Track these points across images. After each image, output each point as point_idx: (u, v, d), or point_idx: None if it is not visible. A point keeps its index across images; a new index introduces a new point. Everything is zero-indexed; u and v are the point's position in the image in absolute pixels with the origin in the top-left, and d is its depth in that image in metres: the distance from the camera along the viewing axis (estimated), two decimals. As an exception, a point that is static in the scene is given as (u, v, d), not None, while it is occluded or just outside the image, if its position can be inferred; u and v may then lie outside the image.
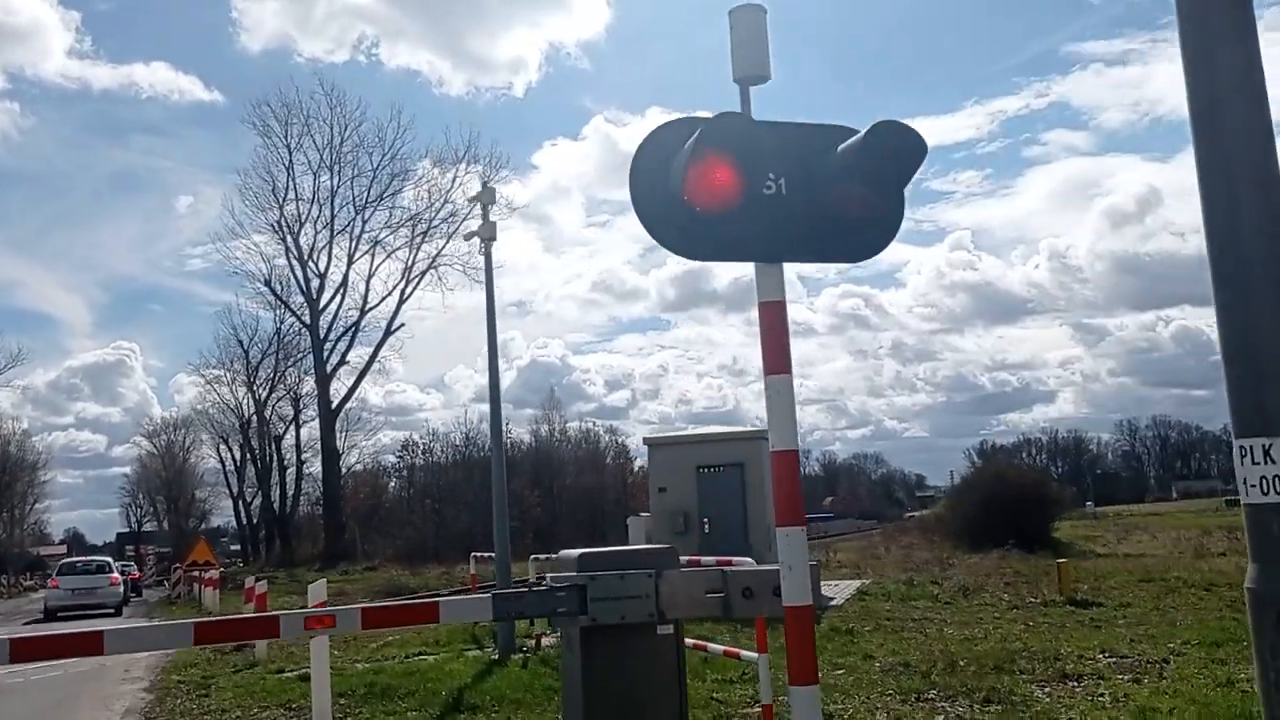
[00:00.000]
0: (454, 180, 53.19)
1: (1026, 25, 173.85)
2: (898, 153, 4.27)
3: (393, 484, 72.23)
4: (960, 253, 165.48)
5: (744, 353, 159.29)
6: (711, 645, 8.93)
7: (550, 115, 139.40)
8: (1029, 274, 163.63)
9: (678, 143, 4.07)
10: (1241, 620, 11.00)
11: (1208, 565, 21.73)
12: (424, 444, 70.56)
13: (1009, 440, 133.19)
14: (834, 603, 15.86)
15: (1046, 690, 8.38)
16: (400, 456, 70.44)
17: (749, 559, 9.59)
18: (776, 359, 4.53)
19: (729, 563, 5.93)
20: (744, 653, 8.11)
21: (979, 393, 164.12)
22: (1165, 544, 31.22)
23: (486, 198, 11.94)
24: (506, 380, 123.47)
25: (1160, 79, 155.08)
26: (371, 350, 54.09)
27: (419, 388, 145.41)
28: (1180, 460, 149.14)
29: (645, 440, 18.19)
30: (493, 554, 18.62)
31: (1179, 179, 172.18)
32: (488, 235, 12.03)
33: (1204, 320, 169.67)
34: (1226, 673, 8.51)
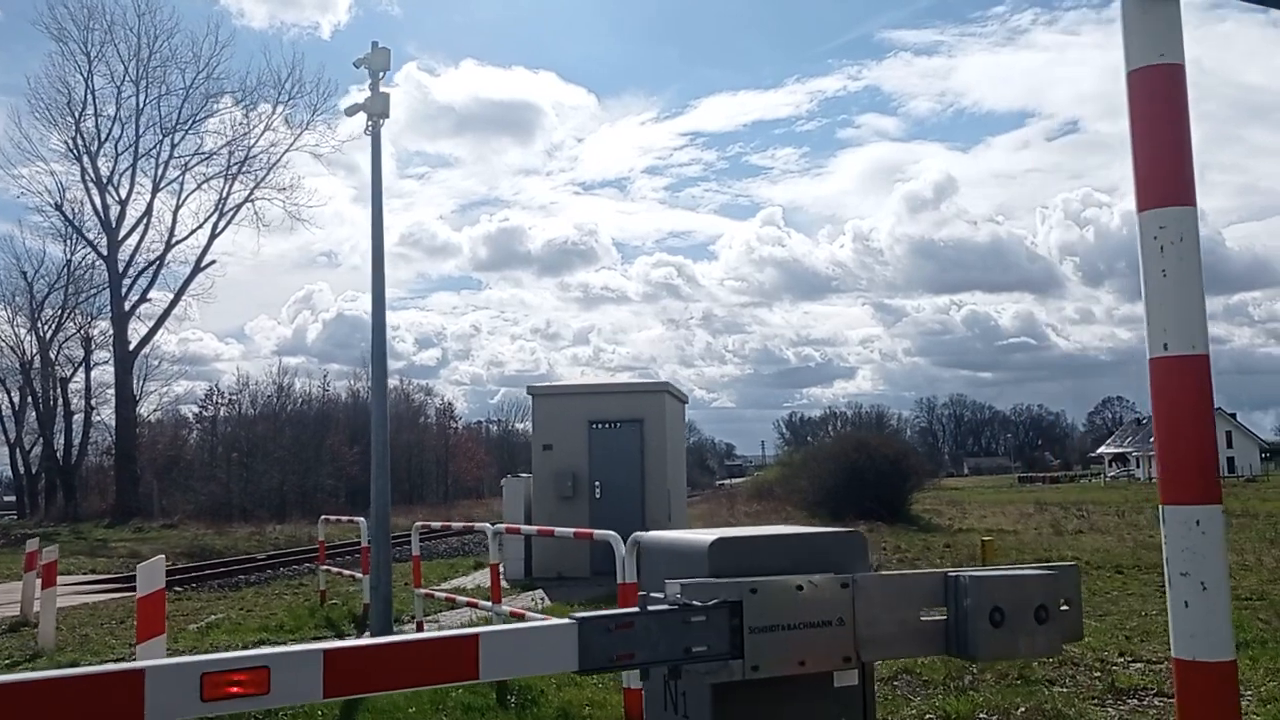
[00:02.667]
0: (277, 105, 48.66)
1: (846, 9, 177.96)
2: None
3: (194, 435, 66.64)
4: (770, 228, 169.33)
5: (558, 316, 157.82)
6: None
7: (334, 60, 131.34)
8: (834, 253, 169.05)
9: None
10: (1258, 618, 9.90)
11: (1079, 543, 21.21)
12: (230, 394, 65.31)
13: (815, 414, 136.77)
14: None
15: (1111, 711, 6.64)
16: (203, 406, 64.97)
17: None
18: (1169, 178, 2.38)
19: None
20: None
21: (784, 366, 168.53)
22: (1012, 520, 31.05)
23: (378, 63, 9.30)
24: (313, 333, 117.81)
25: (965, 72, 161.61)
26: (176, 289, 49.07)
27: (217, 336, 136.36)
28: (972, 438, 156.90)
29: (530, 389, 15.77)
30: (343, 517, 16.00)
31: (977, 169, 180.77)
32: (378, 110, 9.40)
33: (992, 306, 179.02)
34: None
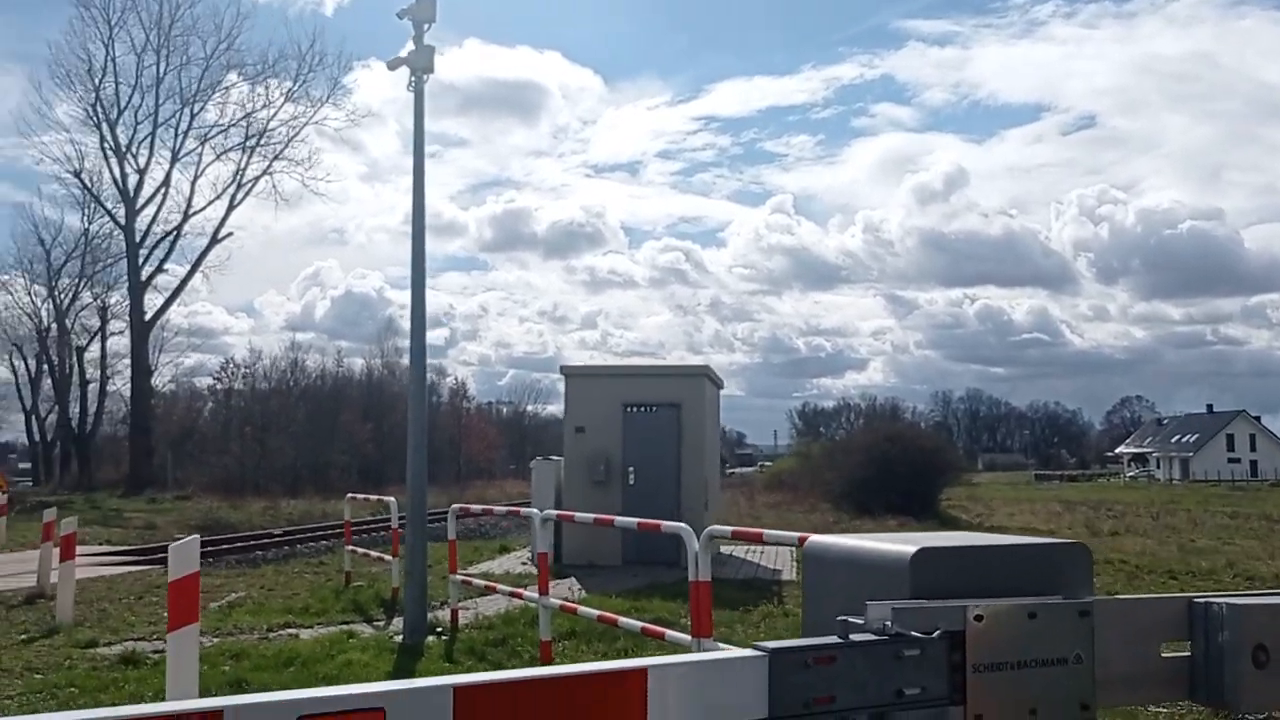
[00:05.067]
0: (299, 77, 48.13)
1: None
2: None
3: (208, 408, 66.32)
4: (780, 216, 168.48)
5: (565, 299, 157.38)
6: None
7: (361, 36, 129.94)
8: (845, 243, 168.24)
9: None
10: None
11: (1120, 545, 20.62)
12: (245, 367, 64.89)
13: (827, 404, 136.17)
14: (784, 576, 13.44)
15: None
16: (217, 379, 64.61)
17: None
18: None
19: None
20: None
21: (794, 355, 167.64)
22: (1043, 519, 30.41)
23: (423, 13, 8.69)
24: (321, 309, 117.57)
25: (980, 63, 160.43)
26: (194, 259, 48.65)
27: (227, 310, 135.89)
28: (987, 433, 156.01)
29: (563, 369, 15.19)
30: (369, 495, 15.45)
31: (991, 162, 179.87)
32: (421, 65, 8.80)
33: (1006, 301, 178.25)
34: None
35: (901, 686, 1.99)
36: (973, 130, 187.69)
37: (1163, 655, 2.33)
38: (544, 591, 7.48)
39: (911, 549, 2.23)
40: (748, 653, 1.92)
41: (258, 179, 48.17)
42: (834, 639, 2.00)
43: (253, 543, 21.23)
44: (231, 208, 48.33)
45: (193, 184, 48.27)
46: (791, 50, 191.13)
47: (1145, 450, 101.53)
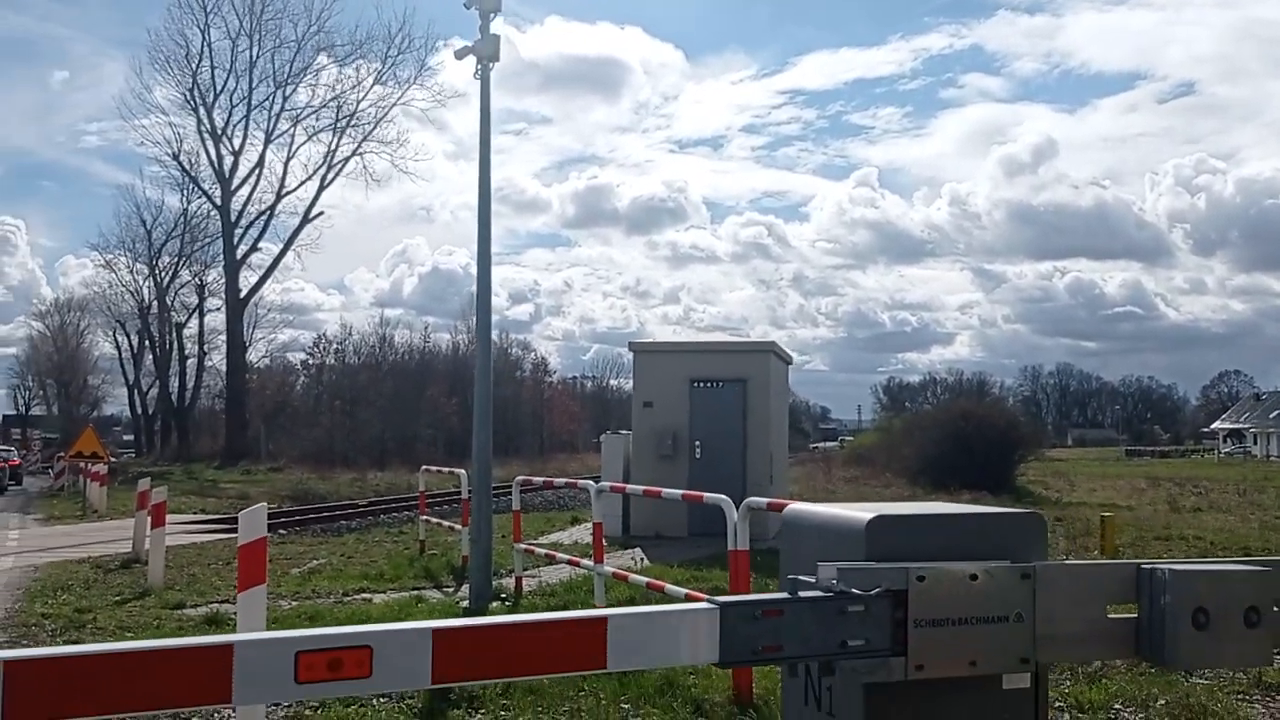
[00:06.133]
0: (387, 60, 49.06)
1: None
2: None
3: (300, 382, 68.33)
4: (864, 189, 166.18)
5: (647, 275, 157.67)
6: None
7: (447, 16, 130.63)
8: (930, 216, 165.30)
9: None
10: None
11: (1199, 522, 20.26)
12: (337, 343, 66.67)
13: (913, 379, 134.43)
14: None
15: (1259, 708, 6.12)
16: (310, 354, 66.50)
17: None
18: None
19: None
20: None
21: (878, 330, 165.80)
22: (1125, 495, 29.87)
23: (489, 3, 8.98)
24: (409, 286, 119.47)
25: (1073, 31, 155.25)
26: (287, 238, 50.07)
27: (319, 287, 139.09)
28: (1078, 409, 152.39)
29: (631, 345, 15.52)
30: (443, 468, 16.01)
31: (1083, 132, 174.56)
32: (488, 53, 9.11)
33: (1098, 274, 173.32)
34: None
35: (845, 638, 2.22)
36: (1064, 100, 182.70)
37: (1110, 616, 2.50)
38: (599, 560, 7.80)
39: (868, 515, 2.45)
40: (702, 605, 2.16)
41: (348, 159, 49.37)
42: (784, 595, 2.23)
43: (337, 512, 22.02)
44: (323, 187, 49.65)
45: (285, 165, 49.70)
46: (878, 21, 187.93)
47: (1242, 426, 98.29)
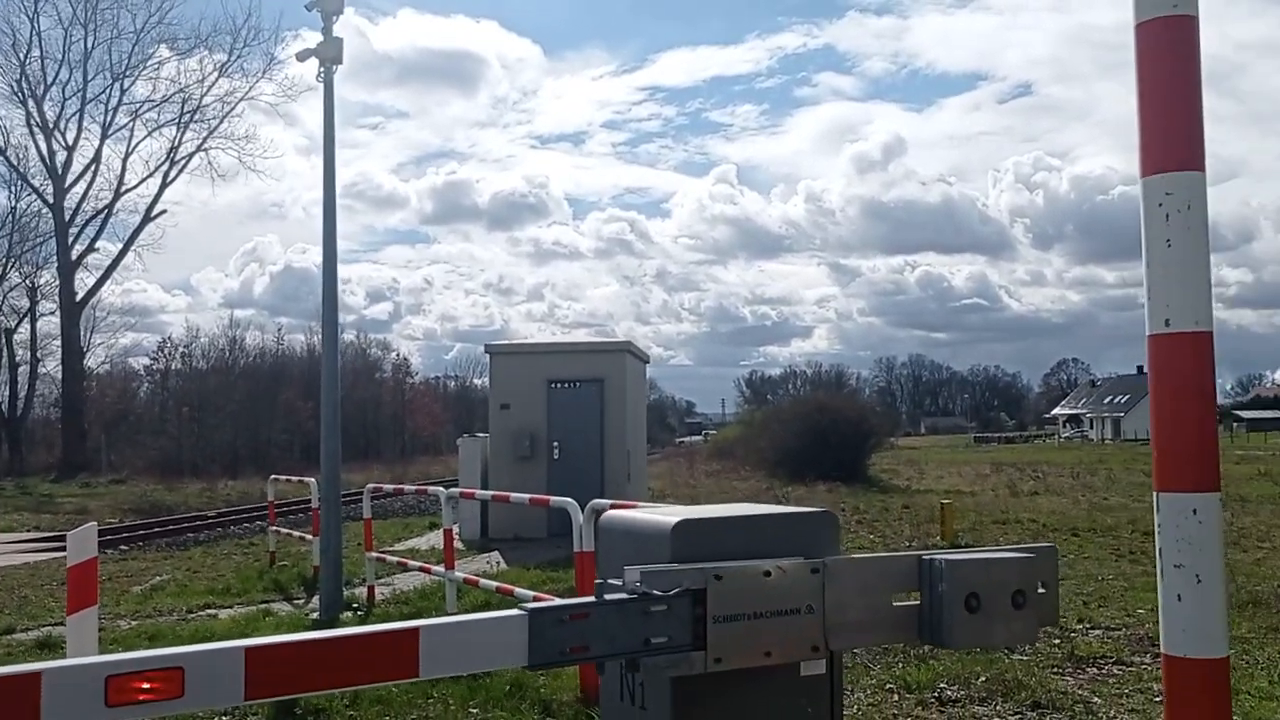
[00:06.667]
0: (233, 53, 47.50)
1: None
2: None
3: (144, 389, 65.44)
4: (723, 186, 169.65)
5: (510, 271, 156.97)
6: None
7: (292, 5, 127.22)
8: (787, 212, 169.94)
9: None
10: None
11: (1035, 505, 21.38)
12: (183, 346, 64.06)
13: (774, 372, 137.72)
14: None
15: (1070, 680, 6.57)
16: (154, 359, 63.75)
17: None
18: (1178, 141, 2.17)
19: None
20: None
21: (740, 324, 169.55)
22: (969, 481, 31.25)
23: (331, 5, 8.86)
24: (261, 286, 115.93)
25: (919, 33, 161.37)
26: (127, 237, 47.96)
27: (163, 288, 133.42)
28: (930, 398, 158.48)
29: (488, 348, 15.46)
30: (294, 476, 15.63)
31: (930, 131, 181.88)
32: (330, 55, 8.97)
33: (946, 267, 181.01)
34: (1274, 656, 6.96)
35: (649, 636, 2.35)
36: (912, 99, 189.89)
37: (895, 604, 2.71)
38: (449, 566, 7.81)
39: (673, 520, 2.59)
40: (512, 612, 2.25)
41: (192, 155, 47.55)
42: (590, 599, 2.35)
43: (184, 525, 21.25)
44: (165, 184, 47.69)
45: (124, 161, 47.55)
46: (735, 19, 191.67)
47: (1080, 411, 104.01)
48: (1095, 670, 6.85)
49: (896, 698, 6.15)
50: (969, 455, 57.21)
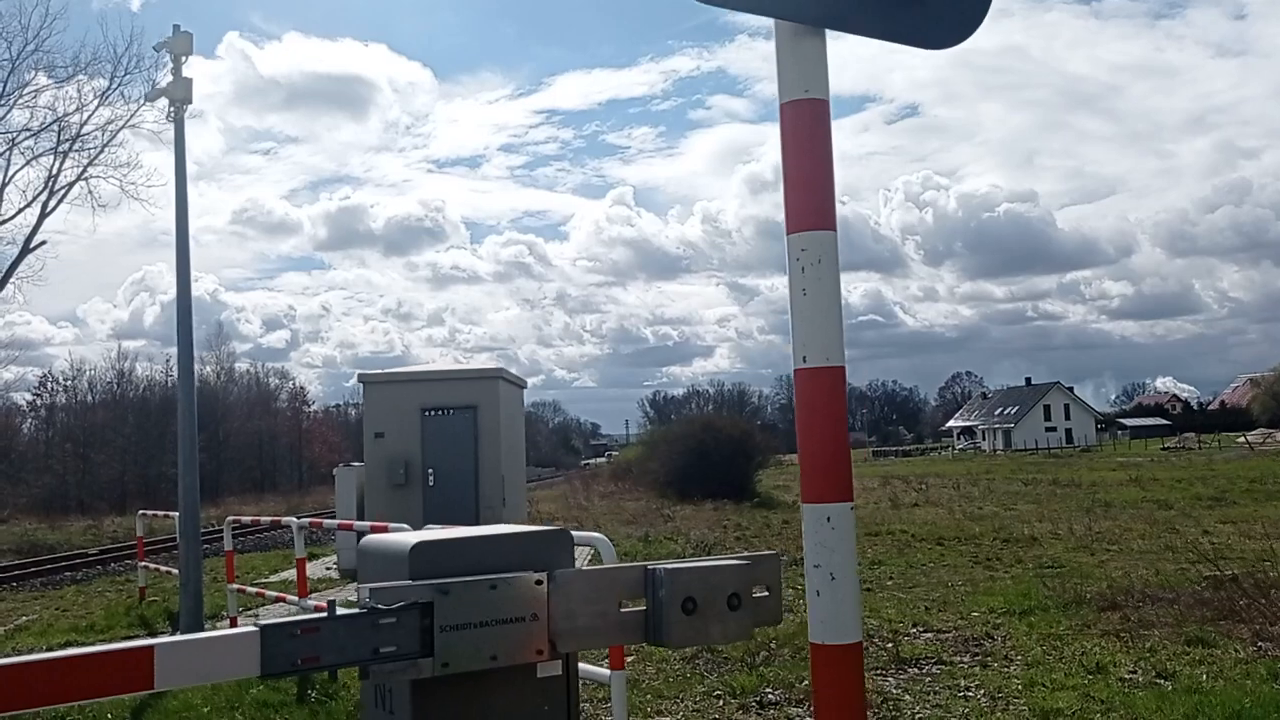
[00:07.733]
0: (115, 79, 46.44)
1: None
2: None
3: (27, 425, 63.28)
4: (620, 208, 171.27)
5: (409, 296, 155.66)
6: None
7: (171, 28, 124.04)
8: (684, 233, 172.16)
9: None
10: (1045, 584, 10.39)
11: (911, 517, 22.12)
12: (67, 380, 62.18)
13: (677, 392, 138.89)
14: (577, 564, 14.15)
15: (890, 680, 7.03)
16: (37, 394, 61.73)
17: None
18: (812, 205, 2.59)
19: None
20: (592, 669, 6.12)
21: (642, 345, 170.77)
22: (855, 493, 32.01)
23: (180, 46, 9.00)
24: (151, 315, 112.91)
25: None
26: (5, 269, 46.41)
27: (48, 319, 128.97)
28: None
29: (361, 377, 15.55)
30: (158, 512, 15.45)
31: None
32: (180, 96, 9.11)
33: (842, 285, 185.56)
34: (1076, 651, 7.53)
35: (379, 646, 2.64)
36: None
37: (623, 610, 3.04)
38: (303, 595, 7.97)
39: (412, 541, 2.89)
40: (246, 629, 2.51)
41: (72, 184, 46.23)
42: (322, 615, 2.63)
43: (61, 564, 20.75)
44: (45, 214, 46.12)
45: (0, 190, 46.04)
46: (625, 43, 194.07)
47: (972, 423, 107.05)
48: (915, 670, 7.32)
49: (721, 703, 6.52)
50: (864, 469, 58.46)
